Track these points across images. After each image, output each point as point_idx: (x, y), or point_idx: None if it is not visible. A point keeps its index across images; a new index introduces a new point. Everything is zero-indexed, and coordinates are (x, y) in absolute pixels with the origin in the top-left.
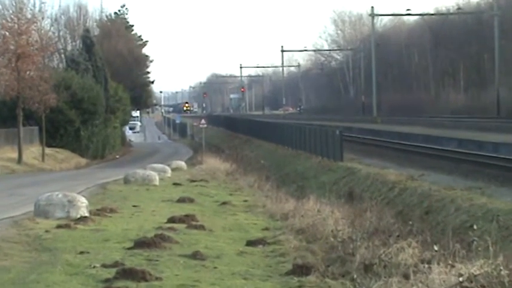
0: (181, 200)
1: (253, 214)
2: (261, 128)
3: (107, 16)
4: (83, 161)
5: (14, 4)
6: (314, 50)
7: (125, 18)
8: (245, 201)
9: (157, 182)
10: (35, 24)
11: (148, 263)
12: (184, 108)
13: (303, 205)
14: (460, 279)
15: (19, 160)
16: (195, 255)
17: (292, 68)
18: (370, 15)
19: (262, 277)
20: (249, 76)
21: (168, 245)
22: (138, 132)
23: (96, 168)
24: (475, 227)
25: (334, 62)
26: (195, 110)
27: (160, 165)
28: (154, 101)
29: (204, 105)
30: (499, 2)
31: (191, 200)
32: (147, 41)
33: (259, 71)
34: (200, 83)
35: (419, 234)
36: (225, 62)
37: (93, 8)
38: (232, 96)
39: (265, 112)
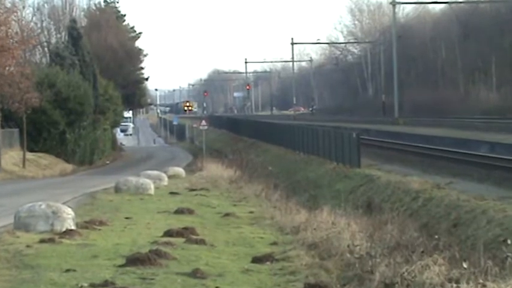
0: (179, 211)
1: (260, 227)
2: (269, 130)
3: (95, 5)
4: (69, 167)
5: None
6: (328, 43)
7: (116, 8)
8: (251, 212)
9: (152, 191)
10: (15, 14)
11: (142, 282)
12: (185, 108)
13: (316, 217)
14: None
15: None
16: (195, 274)
17: (303, 63)
18: (391, 3)
19: None
20: (255, 72)
21: (164, 261)
22: (130, 135)
23: (83, 175)
24: (509, 241)
25: (350, 56)
26: (195, 110)
27: (155, 172)
28: (149, 100)
29: (204, 104)
30: None
31: (190, 211)
32: (140, 33)
33: (267, 67)
34: (200, 80)
35: (446, 249)
36: (228, 56)
37: None
38: (236, 94)
39: (274, 112)
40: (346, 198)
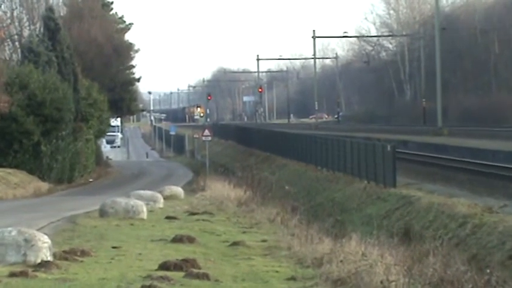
0: (177, 240)
1: (275, 259)
2: (286, 142)
3: None
4: (45, 185)
5: None
6: (357, 37)
7: None
8: (264, 241)
9: (144, 215)
10: None
11: None
12: (198, 115)
13: (343, 246)
14: None
15: None
16: None
17: (327, 61)
18: None
19: None
20: (269, 71)
21: None
22: (118, 147)
23: (62, 195)
24: None
25: (384, 52)
26: (197, 117)
27: (149, 192)
28: (141, 106)
29: (208, 111)
30: None
31: (191, 240)
32: (131, 24)
33: (283, 65)
34: (203, 81)
35: (500, 286)
36: (237, 52)
37: None
38: (246, 99)
39: (291, 121)
40: (379, 224)
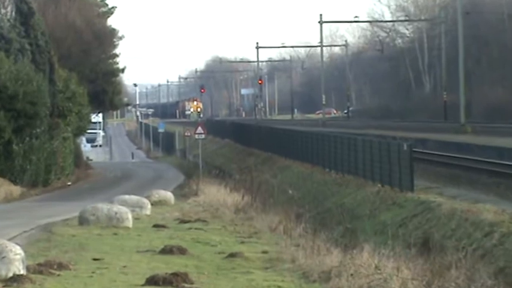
0: (166, 251)
1: (277, 272)
2: (289, 141)
3: None
4: (17, 190)
5: None
6: (369, 21)
7: None
8: (264, 252)
9: (130, 223)
10: None
11: None
12: (189, 110)
13: (354, 258)
14: None
15: None
16: None
17: (336, 49)
18: None
19: None
20: (270, 61)
21: None
22: (100, 146)
23: (36, 201)
24: None
25: (400, 39)
26: (188, 112)
27: (134, 198)
28: (126, 99)
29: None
30: None
31: (182, 251)
32: (114, 8)
33: (286, 54)
34: (196, 71)
35: None
36: (234, 40)
37: None
38: (244, 92)
39: (295, 116)
40: (394, 233)
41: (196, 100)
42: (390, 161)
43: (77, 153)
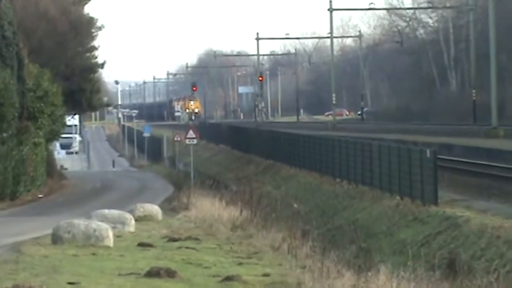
0: (153, 274)
1: None
2: (294, 147)
3: None
4: None
5: None
6: (387, 9)
7: None
8: (265, 275)
9: (111, 242)
10: None
11: None
12: (179, 111)
13: (369, 282)
14: None
15: None
16: None
17: (348, 41)
18: None
19: None
20: (273, 54)
21: None
22: (76, 153)
23: (3, 216)
24: None
25: (422, 30)
26: (178, 113)
27: (116, 212)
28: (106, 99)
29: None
30: None
31: (171, 274)
32: None
33: (290, 46)
34: (186, 67)
35: None
36: (230, 31)
37: None
38: (242, 90)
39: (301, 118)
40: (415, 253)
41: (192, 99)
42: (411, 170)
43: (50, 161)
